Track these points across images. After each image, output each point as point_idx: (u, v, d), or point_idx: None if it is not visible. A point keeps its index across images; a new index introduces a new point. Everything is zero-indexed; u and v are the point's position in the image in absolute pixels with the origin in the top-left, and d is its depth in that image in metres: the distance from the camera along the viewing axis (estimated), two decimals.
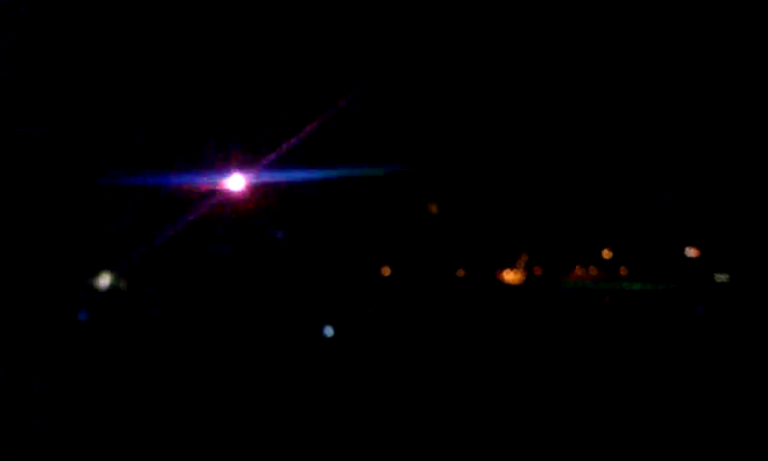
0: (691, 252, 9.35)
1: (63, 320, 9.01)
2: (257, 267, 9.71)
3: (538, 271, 9.56)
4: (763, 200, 9.30)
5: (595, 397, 7.95)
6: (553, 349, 9.23)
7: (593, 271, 9.58)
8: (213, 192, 9.31)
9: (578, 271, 9.62)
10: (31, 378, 8.09)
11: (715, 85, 9.08)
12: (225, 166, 9.26)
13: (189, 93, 8.88)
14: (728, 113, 9.06)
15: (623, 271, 9.40)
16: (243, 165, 9.31)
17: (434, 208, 9.69)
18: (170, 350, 9.20)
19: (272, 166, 9.31)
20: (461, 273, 9.48)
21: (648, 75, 9.15)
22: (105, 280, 9.29)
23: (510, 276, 9.57)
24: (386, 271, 9.47)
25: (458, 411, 7.66)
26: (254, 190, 9.38)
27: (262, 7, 8.60)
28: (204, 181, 9.25)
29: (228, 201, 9.47)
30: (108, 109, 8.79)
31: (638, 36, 8.91)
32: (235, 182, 9.22)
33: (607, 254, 9.48)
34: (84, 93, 8.73)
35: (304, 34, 8.74)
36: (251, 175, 9.27)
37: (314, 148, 9.30)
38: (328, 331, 9.20)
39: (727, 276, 9.18)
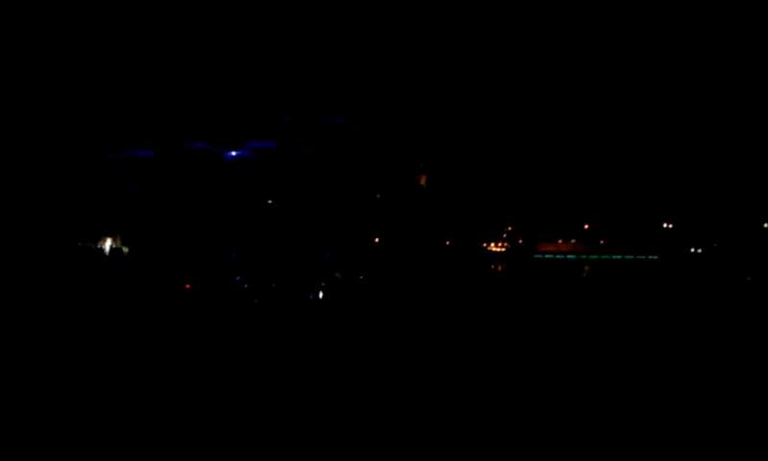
0: (668, 226, 9.76)
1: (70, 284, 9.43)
2: (254, 237, 10.15)
3: (521, 242, 9.97)
4: (738, 176, 9.67)
5: (580, 360, 8.29)
6: (537, 315, 9.65)
7: (574, 242, 10.00)
8: (210, 165, 9.72)
9: (560, 243, 10.04)
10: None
11: (697, 72, 9.40)
12: (222, 139, 9.66)
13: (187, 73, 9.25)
14: (703, 92, 9.39)
15: (602, 243, 9.82)
16: (238, 138, 9.71)
17: (422, 181, 10.09)
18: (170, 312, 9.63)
19: (265, 137, 9.70)
20: (447, 243, 9.89)
21: (630, 62, 9.48)
22: (107, 244, 9.71)
23: (494, 247, 9.99)
24: (376, 240, 9.88)
25: (448, 375, 7.98)
26: (249, 162, 9.80)
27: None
28: (201, 154, 9.66)
29: (225, 174, 9.89)
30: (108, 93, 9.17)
31: (625, 26, 9.23)
32: (231, 154, 9.62)
33: (587, 227, 9.90)
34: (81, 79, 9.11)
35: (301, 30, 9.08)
36: (246, 147, 9.66)
37: (307, 120, 9.66)
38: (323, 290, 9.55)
39: (701, 248, 9.58)
